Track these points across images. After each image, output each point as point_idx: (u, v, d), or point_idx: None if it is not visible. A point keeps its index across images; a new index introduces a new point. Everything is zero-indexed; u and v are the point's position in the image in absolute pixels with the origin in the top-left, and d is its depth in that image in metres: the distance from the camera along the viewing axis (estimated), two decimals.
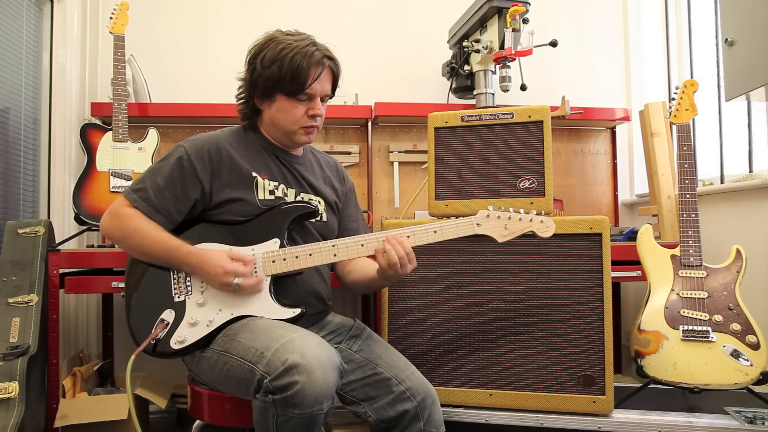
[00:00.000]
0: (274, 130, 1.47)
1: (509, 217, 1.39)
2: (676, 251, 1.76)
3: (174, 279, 1.36)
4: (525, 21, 2.15)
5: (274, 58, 1.36)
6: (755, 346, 1.62)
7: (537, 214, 1.39)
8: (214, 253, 1.32)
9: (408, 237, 1.37)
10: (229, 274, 1.29)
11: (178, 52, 2.63)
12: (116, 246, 1.44)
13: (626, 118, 2.62)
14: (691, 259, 1.73)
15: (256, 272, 1.34)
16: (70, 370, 2.05)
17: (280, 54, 1.36)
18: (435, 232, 1.37)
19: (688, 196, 1.77)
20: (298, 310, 1.35)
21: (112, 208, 1.38)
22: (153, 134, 2.26)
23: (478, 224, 1.40)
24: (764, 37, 1.55)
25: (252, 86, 1.43)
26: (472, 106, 2.42)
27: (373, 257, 1.39)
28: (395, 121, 2.58)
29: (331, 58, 1.43)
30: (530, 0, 2.17)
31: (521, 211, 1.40)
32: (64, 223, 2.38)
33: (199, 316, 1.32)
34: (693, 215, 1.76)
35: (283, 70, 1.36)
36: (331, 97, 1.48)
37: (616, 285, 2.56)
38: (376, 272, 1.40)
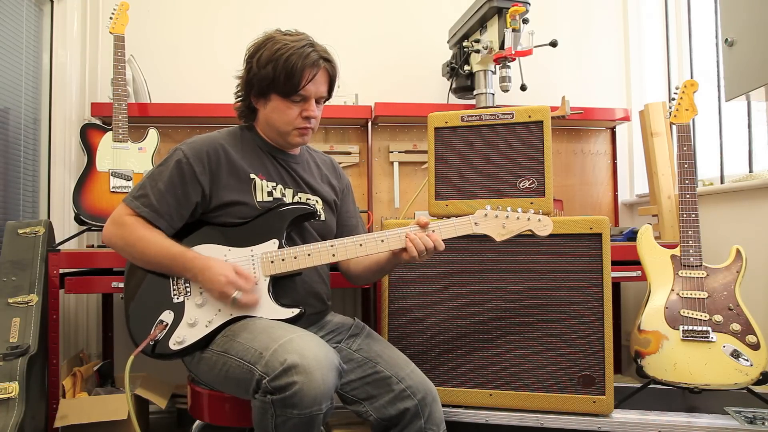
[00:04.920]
0: (269, 129, 1.47)
1: (507, 216, 1.40)
2: (676, 251, 1.76)
3: (173, 280, 1.36)
4: (525, 21, 2.15)
5: (269, 58, 1.36)
6: (755, 346, 1.62)
7: (534, 213, 1.40)
8: (219, 262, 1.32)
9: (406, 236, 1.37)
10: (231, 285, 1.29)
11: (178, 52, 2.63)
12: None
13: (626, 118, 2.62)
14: (691, 259, 1.73)
15: (256, 285, 1.34)
16: (70, 370, 2.05)
17: (276, 54, 1.36)
18: (433, 231, 1.37)
19: (688, 196, 1.77)
20: (297, 311, 1.35)
21: (115, 217, 1.38)
22: (153, 134, 2.26)
23: (476, 223, 1.40)
24: (764, 37, 1.55)
25: (248, 85, 1.43)
26: (472, 106, 2.42)
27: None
28: (395, 121, 2.58)
29: (328, 60, 1.42)
30: (530, 0, 2.17)
31: (519, 210, 1.40)
32: (64, 223, 2.38)
33: (198, 317, 1.32)
34: (693, 215, 1.75)
35: (277, 70, 1.35)
36: (327, 99, 1.48)
37: (616, 285, 2.56)
38: (386, 258, 1.42)
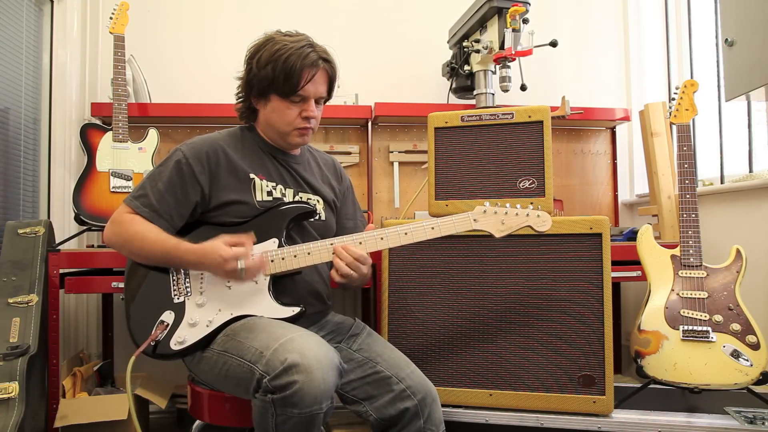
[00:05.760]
0: (269, 130, 1.47)
1: (506, 213, 1.40)
2: (676, 251, 1.76)
3: (173, 280, 1.36)
4: (525, 21, 2.15)
5: (269, 58, 1.37)
6: (755, 346, 1.62)
7: (533, 209, 1.40)
8: (210, 245, 1.30)
9: (406, 234, 1.37)
10: (229, 261, 1.28)
11: (178, 52, 2.63)
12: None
13: (626, 118, 2.62)
14: (691, 259, 1.73)
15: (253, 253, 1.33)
16: (70, 370, 2.05)
17: (275, 55, 1.36)
18: (432, 228, 1.37)
19: (688, 196, 1.77)
20: (297, 309, 1.35)
21: (114, 216, 1.38)
22: (153, 134, 2.26)
23: (475, 220, 1.40)
24: (764, 37, 1.55)
25: (248, 86, 1.44)
26: (472, 106, 2.42)
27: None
28: (395, 121, 2.58)
29: (327, 60, 1.42)
30: (530, 0, 2.17)
31: (518, 206, 1.40)
32: (64, 223, 2.38)
33: (198, 317, 1.32)
34: (693, 215, 1.75)
35: (276, 71, 1.36)
36: (327, 100, 1.48)
37: (616, 285, 2.56)
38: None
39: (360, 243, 1.37)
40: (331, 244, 1.37)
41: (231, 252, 1.29)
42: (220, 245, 1.30)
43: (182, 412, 2.35)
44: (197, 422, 1.52)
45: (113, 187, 2.15)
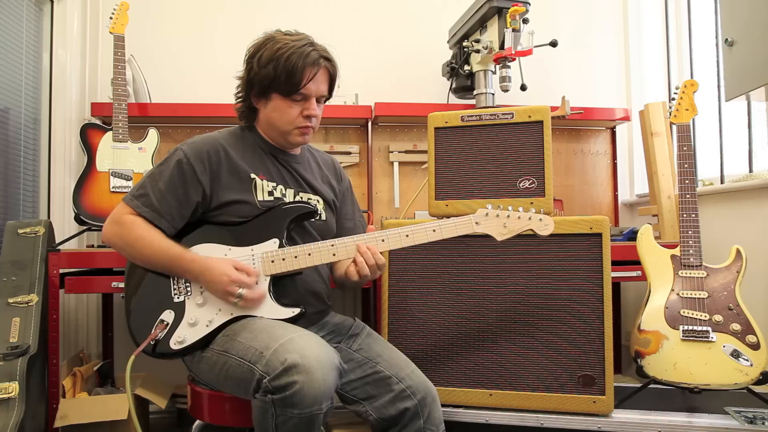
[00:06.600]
0: (270, 129, 1.47)
1: (508, 216, 1.40)
2: (676, 251, 1.76)
3: (174, 280, 1.36)
4: (525, 21, 2.15)
5: (270, 57, 1.37)
6: (755, 346, 1.62)
7: (536, 213, 1.40)
8: (219, 261, 1.31)
9: (407, 236, 1.37)
10: (234, 284, 1.29)
11: (178, 52, 2.63)
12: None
13: (626, 118, 2.63)
14: (691, 259, 1.73)
15: (257, 283, 1.34)
16: (70, 370, 2.05)
17: (277, 53, 1.36)
18: (434, 231, 1.37)
19: (688, 196, 1.77)
20: (297, 310, 1.35)
21: (114, 216, 1.38)
22: (153, 134, 2.26)
23: (477, 223, 1.40)
24: (764, 37, 1.55)
25: (249, 85, 1.43)
26: (472, 106, 2.42)
27: None
28: (395, 121, 2.58)
29: (328, 59, 1.42)
30: (530, 0, 2.17)
31: (520, 209, 1.40)
32: (64, 223, 2.38)
33: (198, 316, 1.32)
34: (693, 215, 1.76)
35: (278, 69, 1.36)
36: (327, 99, 1.48)
37: (616, 285, 2.56)
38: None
39: None
40: (332, 245, 1.37)
41: (237, 276, 1.29)
42: (229, 265, 1.30)
43: (182, 412, 2.35)
44: (197, 422, 1.52)
45: (113, 187, 2.15)
